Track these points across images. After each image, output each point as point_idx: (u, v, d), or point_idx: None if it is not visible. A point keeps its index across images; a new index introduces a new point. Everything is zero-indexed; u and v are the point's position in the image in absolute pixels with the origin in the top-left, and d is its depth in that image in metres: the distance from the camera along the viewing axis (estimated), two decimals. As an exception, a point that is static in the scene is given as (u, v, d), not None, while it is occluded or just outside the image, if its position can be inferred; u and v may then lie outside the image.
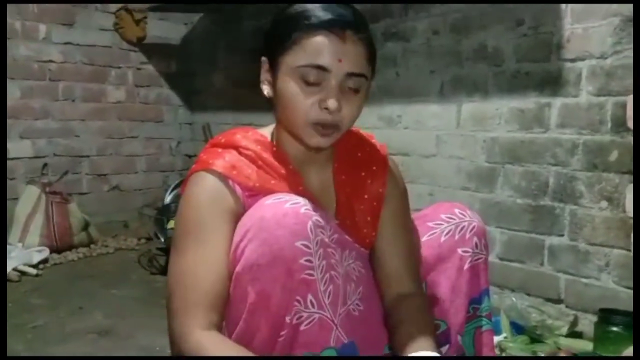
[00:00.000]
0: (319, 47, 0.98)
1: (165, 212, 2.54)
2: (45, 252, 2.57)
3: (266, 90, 1.08)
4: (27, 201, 2.72)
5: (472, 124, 2.01)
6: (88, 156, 3.12)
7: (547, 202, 1.78)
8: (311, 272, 0.98)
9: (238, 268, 0.97)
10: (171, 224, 2.34)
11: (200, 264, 0.99)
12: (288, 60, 1.01)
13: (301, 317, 0.99)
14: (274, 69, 1.04)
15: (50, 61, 2.95)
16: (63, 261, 2.62)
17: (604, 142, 1.65)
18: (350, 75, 1.00)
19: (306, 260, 0.97)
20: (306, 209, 0.98)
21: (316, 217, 0.99)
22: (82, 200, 2.97)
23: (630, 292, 1.48)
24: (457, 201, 1.28)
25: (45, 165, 2.91)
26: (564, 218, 1.74)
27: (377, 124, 2.32)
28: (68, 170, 2.95)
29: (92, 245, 2.83)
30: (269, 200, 1.00)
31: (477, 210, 1.95)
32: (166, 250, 2.47)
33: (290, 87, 1.01)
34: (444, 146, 2.11)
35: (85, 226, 2.83)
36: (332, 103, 1.00)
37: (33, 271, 2.40)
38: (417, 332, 1.04)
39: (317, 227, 0.99)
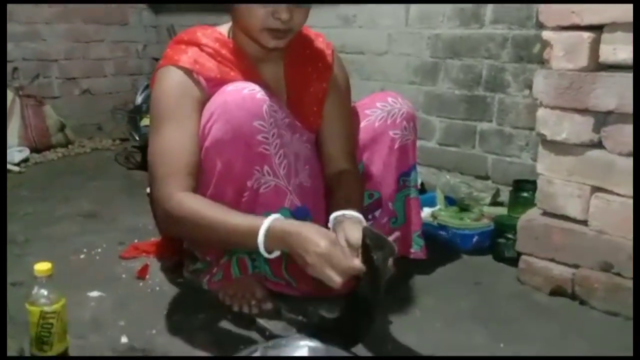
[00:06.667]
0: None
1: (138, 112, 2.69)
2: (26, 152, 2.72)
3: None
4: (1, 104, 2.83)
5: (419, 22, 2.17)
6: (56, 60, 3.18)
7: (480, 92, 2.01)
8: (267, 147, 1.19)
9: (206, 144, 1.18)
10: (144, 122, 2.50)
11: (177, 140, 1.18)
12: None
13: (260, 182, 1.22)
14: None
15: (9, -38, 2.93)
16: (43, 160, 2.78)
17: (529, 36, 1.85)
18: None
19: (262, 137, 1.18)
20: (262, 95, 1.18)
21: (270, 102, 1.19)
22: (54, 104, 3.07)
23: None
24: (405, 95, 1.48)
25: (15, 69, 2.98)
26: (493, 106, 1.98)
27: (334, 23, 2.46)
28: (39, 73, 3.03)
29: (69, 146, 2.99)
30: (230, 87, 1.18)
31: (422, 103, 2.18)
32: (141, 148, 2.64)
33: None
34: (395, 44, 2.28)
35: (62, 127, 2.96)
36: (284, 15, 1.14)
37: (16, 168, 2.57)
38: (347, 198, 1.26)
39: (271, 110, 1.19)
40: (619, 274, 1.37)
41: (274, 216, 1.06)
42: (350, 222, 1.13)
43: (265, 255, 1.06)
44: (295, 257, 1.02)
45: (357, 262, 0.98)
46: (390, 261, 0.99)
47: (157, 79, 1.24)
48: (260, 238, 1.04)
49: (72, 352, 1.15)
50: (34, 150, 2.81)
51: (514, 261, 1.58)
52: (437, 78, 2.14)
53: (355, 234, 1.05)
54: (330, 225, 1.20)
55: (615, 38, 1.30)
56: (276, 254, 1.07)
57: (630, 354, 1.16)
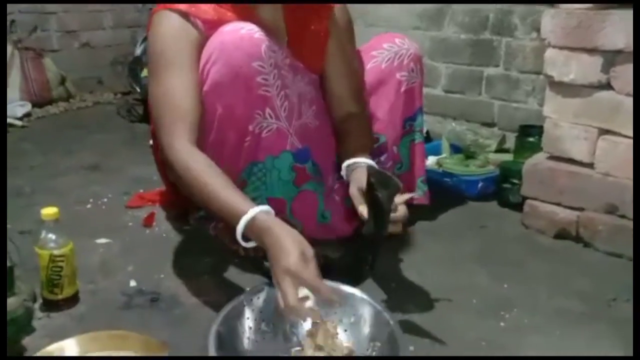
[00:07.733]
0: None
1: (138, 63, 2.65)
2: (28, 106, 2.70)
3: None
4: (0, 58, 2.80)
5: (424, -36, 2.11)
6: (54, 13, 3.11)
7: (486, 36, 1.97)
8: (267, 89, 1.17)
9: (205, 88, 1.16)
10: (144, 73, 2.46)
11: (179, 87, 1.14)
12: None
13: (262, 126, 1.21)
14: None
15: None
16: (45, 114, 2.76)
17: (538, -24, 1.79)
18: None
19: (262, 79, 1.16)
20: (260, 35, 1.15)
21: (269, 42, 1.16)
22: (54, 58, 3.01)
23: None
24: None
25: (12, 21, 2.92)
26: (500, 50, 1.94)
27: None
28: (36, 26, 2.97)
29: (70, 100, 2.96)
30: (227, 28, 1.16)
31: (427, 48, 2.13)
32: (143, 101, 2.63)
33: None
34: (399, -12, 2.22)
35: (62, 81, 2.93)
36: None
37: (19, 123, 2.56)
38: (358, 144, 1.26)
39: (270, 50, 1.16)
40: (623, 216, 1.37)
41: (261, 207, 0.99)
42: (362, 171, 1.13)
43: (242, 243, 1.01)
44: (267, 256, 0.97)
45: (321, 284, 0.91)
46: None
47: (153, 24, 1.21)
48: (241, 225, 0.98)
49: (83, 296, 1.18)
50: (35, 104, 2.78)
51: (518, 206, 1.59)
52: (442, 22, 2.09)
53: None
54: (343, 173, 1.21)
55: (627, -27, 1.26)
56: (252, 243, 1.01)
57: (631, 293, 1.18)
